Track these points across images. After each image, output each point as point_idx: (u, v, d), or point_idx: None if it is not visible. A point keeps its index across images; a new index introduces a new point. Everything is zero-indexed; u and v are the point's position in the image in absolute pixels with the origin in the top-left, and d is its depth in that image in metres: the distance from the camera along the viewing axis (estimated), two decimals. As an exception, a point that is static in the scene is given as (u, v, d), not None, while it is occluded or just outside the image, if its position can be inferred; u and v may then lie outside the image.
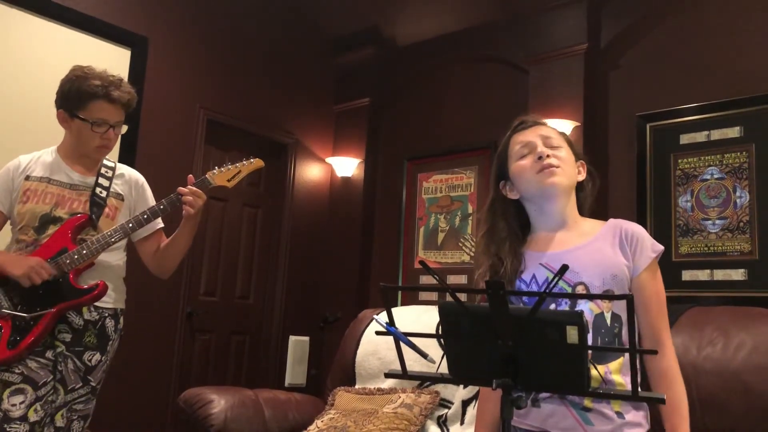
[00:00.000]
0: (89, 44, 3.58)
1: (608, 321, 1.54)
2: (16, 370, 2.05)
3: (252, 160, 2.39)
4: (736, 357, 2.19)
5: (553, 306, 1.55)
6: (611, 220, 1.66)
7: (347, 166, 4.70)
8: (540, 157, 1.62)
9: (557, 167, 1.61)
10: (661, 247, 1.61)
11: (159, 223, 2.34)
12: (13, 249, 2.18)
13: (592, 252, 1.59)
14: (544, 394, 1.53)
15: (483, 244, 1.69)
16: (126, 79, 2.31)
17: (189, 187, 2.23)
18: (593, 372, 1.48)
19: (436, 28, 4.49)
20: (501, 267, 1.62)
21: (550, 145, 1.65)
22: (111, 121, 2.20)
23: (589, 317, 1.53)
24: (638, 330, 1.59)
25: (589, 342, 1.50)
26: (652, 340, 1.57)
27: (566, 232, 1.65)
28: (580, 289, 1.55)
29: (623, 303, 1.55)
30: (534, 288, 1.59)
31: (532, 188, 1.65)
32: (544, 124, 1.74)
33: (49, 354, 2.11)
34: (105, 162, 2.31)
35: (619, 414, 1.51)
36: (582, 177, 1.70)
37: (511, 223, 1.69)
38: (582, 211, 1.71)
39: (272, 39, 4.53)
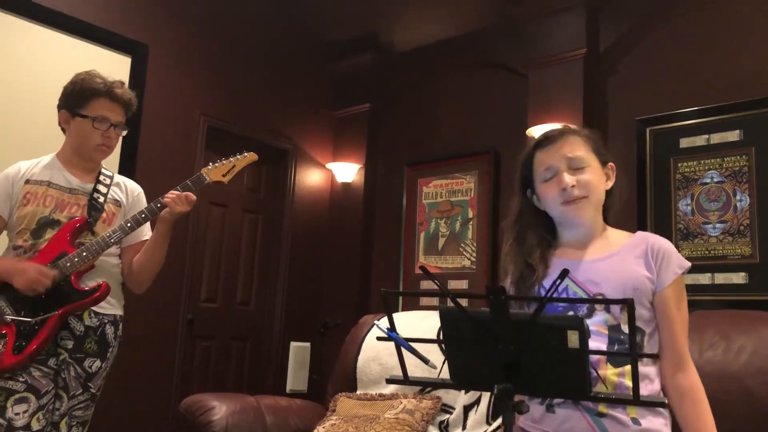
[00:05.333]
0: (90, 52, 3.59)
1: (627, 332, 1.52)
2: (20, 379, 2.05)
3: (246, 153, 2.39)
4: (737, 360, 2.18)
5: (571, 313, 1.54)
6: (639, 233, 1.65)
7: (347, 171, 4.71)
8: (564, 189, 1.60)
9: (583, 198, 1.60)
10: (687, 264, 1.59)
11: (146, 234, 2.33)
12: (10, 255, 2.18)
13: (614, 264, 1.58)
14: (558, 400, 1.52)
15: (512, 253, 1.67)
16: (126, 86, 2.32)
17: (174, 191, 2.22)
18: (608, 377, 1.48)
19: (434, 33, 4.50)
20: (532, 275, 1.61)
21: (574, 168, 1.61)
22: (112, 119, 2.22)
23: (604, 329, 1.52)
24: (660, 344, 1.58)
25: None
26: (674, 357, 1.55)
27: (592, 243, 1.65)
28: None
29: (642, 315, 1.54)
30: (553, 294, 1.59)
31: (557, 215, 1.66)
32: (570, 134, 1.67)
33: (51, 362, 2.11)
34: (103, 171, 2.32)
35: (635, 420, 1.48)
36: (611, 183, 1.68)
37: (540, 231, 1.68)
38: (607, 216, 1.70)
39: (272, 46, 4.54)
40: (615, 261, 1.59)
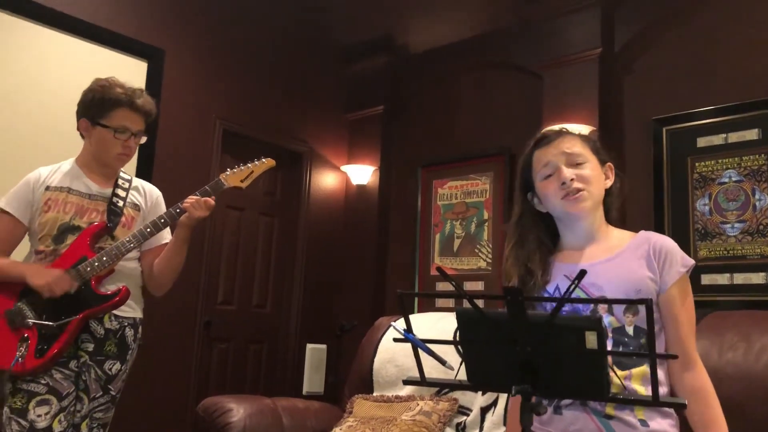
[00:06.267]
0: (107, 57, 3.63)
1: (631, 333, 1.51)
2: (42, 381, 2.08)
3: (264, 159, 2.41)
4: (758, 361, 2.16)
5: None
6: (642, 233, 1.64)
7: (362, 173, 4.71)
8: (564, 182, 1.59)
9: (583, 191, 1.59)
10: (691, 262, 1.57)
11: (165, 238, 2.35)
12: (32, 260, 2.21)
13: (616, 266, 1.57)
14: (565, 402, 1.52)
15: (512, 256, 1.66)
16: (145, 93, 2.34)
17: (193, 197, 2.24)
18: (614, 379, 1.47)
19: (448, 35, 4.50)
20: (531, 279, 1.60)
21: (573, 163, 1.61)
22: (133, 129, 2.24)
23: (608, 331, 1.51)
24: (666, 345, 1.57)
25: None
26: (682, 356, 1.53)
27: (594, 245, 1.63)
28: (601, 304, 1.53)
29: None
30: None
31: (558, 211, 1.65)
32: (567, 134, 1.69)
33: (72, 364, 2.13)
34: (122, 175, 2.34)
35: (643, 422, 1.48)
36: (610, 182, 1.67)
37: (540, 235, 1.68)
38: (609, 216, 1.69)
39: (286, 49, 4.56)
40: (617, 263, 1.57)
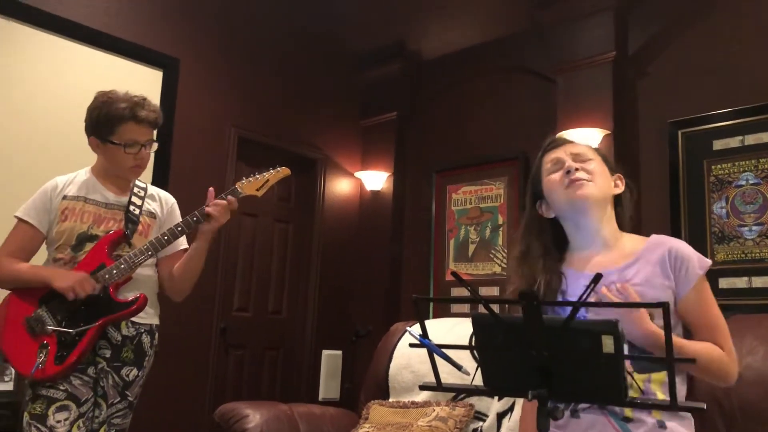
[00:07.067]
0: (122, 66, 3.67)
1: None
2: (61, 387, 2.10)
3: (279, 168, 2.42)
4: (777, 366, 2.14)
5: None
6: (653, 237, 1.63)
7: (376, 179, 4.72)
8: (569, 171, 1.62)
9: (587, 180, 1.61)
10: (708, 262, 1.57)
11: (182, 244, 2.37)
12: (51, 266, 2.23)
13: (637, 272, 1.57)
14: (583, 405, 1.52)
15: (516, 264, 1.69)
16: (158, 99, 2.36)
17: (216, 200, 2.26)
18: (633, 384, 1.47)
19: (461, 40, 4.51)
20: (534, 285, 1.61)
21: (579, 160, 1.65)
22: (141, 140, 2.26)
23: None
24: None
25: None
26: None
27: (607, 252, 1.63)
28: None
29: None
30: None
31: (563, 203, 1.64)
32: (575, 142, 1.74)
33: (90, 371, 2.16)
34: (137, 183, 2.37)
35: (660, 423, 1.48)
36: (619, 190, 1.69)
37: (546, 242, 1.68)
38: (622, 225, 1.69)
39: (300, 56, 4.58)
40: (632, 271, 1.57)
